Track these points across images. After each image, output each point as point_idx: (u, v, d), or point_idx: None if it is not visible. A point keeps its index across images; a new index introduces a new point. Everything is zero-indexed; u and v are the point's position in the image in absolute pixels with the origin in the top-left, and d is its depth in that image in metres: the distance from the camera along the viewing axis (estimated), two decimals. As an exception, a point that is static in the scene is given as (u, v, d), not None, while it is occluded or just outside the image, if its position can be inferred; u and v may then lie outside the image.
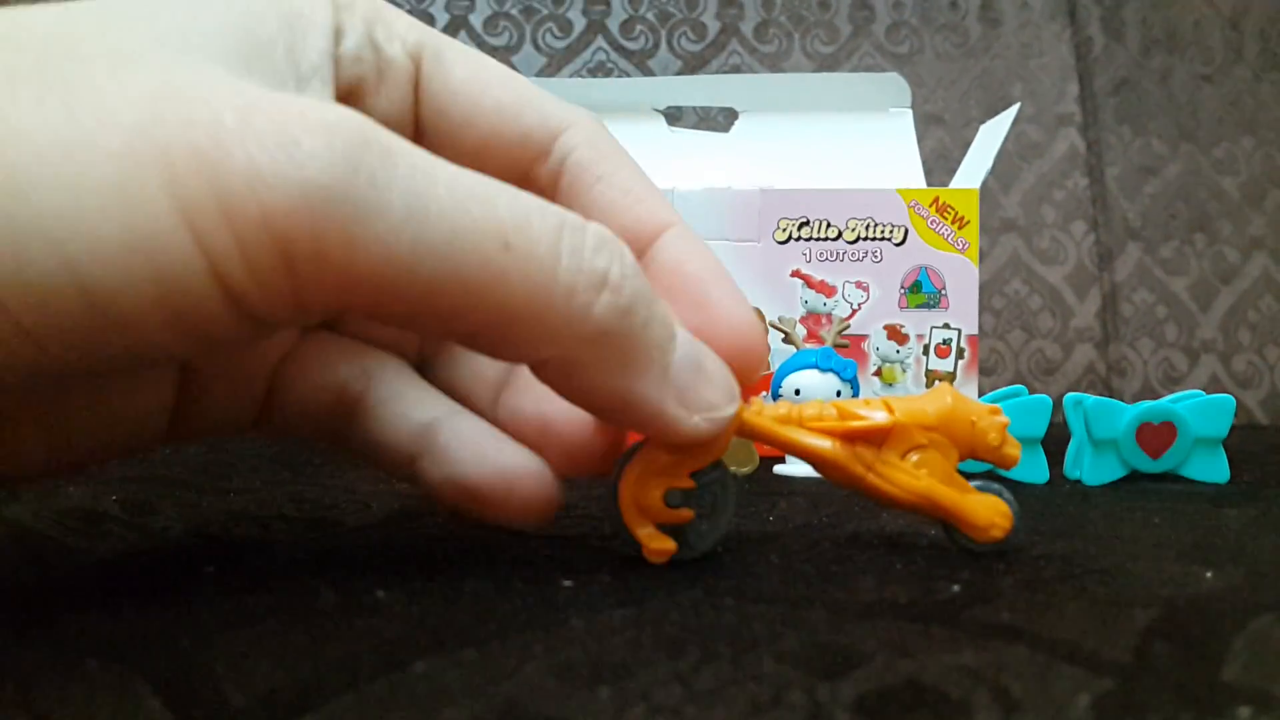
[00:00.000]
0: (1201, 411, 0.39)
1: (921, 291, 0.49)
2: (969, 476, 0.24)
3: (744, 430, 0.23)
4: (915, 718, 0.15)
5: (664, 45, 0.77)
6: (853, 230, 0.49)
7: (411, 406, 0.24)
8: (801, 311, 0.49)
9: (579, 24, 0.76)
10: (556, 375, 0.20)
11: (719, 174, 0.51)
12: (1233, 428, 0.39)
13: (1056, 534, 0.29)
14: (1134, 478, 0.39)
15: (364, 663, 0.16)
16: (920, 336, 0.49)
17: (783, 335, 0.48)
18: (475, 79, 0.22)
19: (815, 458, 0.23)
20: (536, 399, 0.24)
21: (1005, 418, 0.24)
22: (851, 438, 0.23)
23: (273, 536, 0.27)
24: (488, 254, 0.17)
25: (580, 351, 0.19)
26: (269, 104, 0.16)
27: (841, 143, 0.55)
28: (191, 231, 0.16)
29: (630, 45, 0.76)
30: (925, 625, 0.19)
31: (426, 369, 0.25)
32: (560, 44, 0.76)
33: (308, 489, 0.35)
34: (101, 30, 0.17)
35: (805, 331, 0.49)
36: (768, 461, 0.42)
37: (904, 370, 0.49)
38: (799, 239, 0.49)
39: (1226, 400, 0.39)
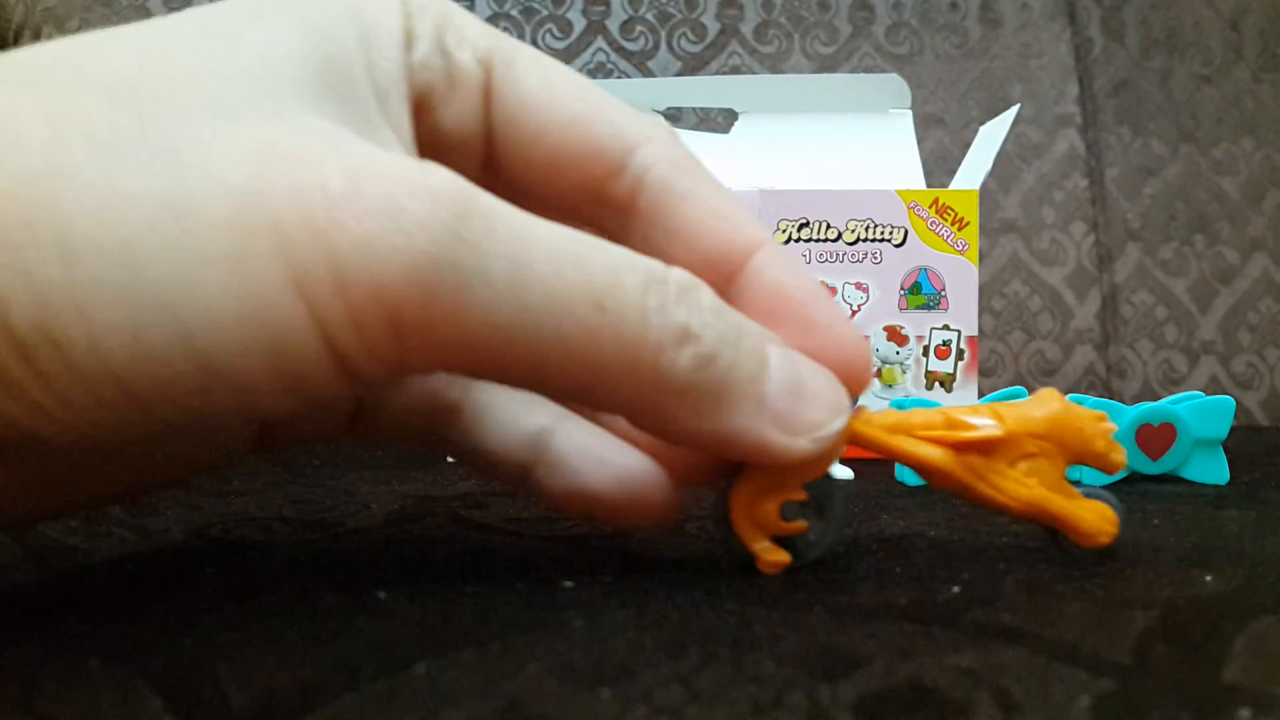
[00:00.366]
0: (1201, 413, 0.39)
1: (921, 293, 0.49)
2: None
3: (854, 440, 0.23)
4: (916, 719, 0.15)
5: (664, 46, 0.77)
6: (852, 231, 0.49)
7: (519, 414, 0.23)
8: (801, 313, 0.49)
9: (579, 25, 0.76)
10: (652, 423, 0.20)
11: (719, 175, 0.51)
12: (1233, 429, 0.39)
13: (1056, 534, 0.29)
14: (1133, 479, 0.39)
15: (365, 663, 0.17)
16: (920, 338, 0.49)
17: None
18: (548, 88, 0.22)
19: (927, 467, 0.23)
20: None
21: (1112, 424, 0.24)
22: (962, 447, 0.23)
23: (273, 538, 0.27)
24: (583, 317, 0.17)
25: (669, 402, 0.19)
26: (373, 167, 0.16)
27: (841, 144, 0.55)
28: (305, 301, 0.16)
29: (630, 46, 0.76)
30: (926, 627, 0.19)
31: None
32: (560, 45, 0.76)
33: (308, 491, 0.35)
34: (192, 74, 0.17)
35: (805, 333, 0.49)
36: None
37: (904, 371, 0.49)
38: (799, 240, 0.49)
39: (1226, 401, 0.39)
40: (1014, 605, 0.21)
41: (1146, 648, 0.18)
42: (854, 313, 0.49)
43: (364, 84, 0.19)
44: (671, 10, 0.77)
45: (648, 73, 0.76)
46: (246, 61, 0.17)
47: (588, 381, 0.18)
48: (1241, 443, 0.49)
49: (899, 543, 0.27)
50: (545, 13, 0.76)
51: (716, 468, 0.23)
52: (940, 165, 0.76)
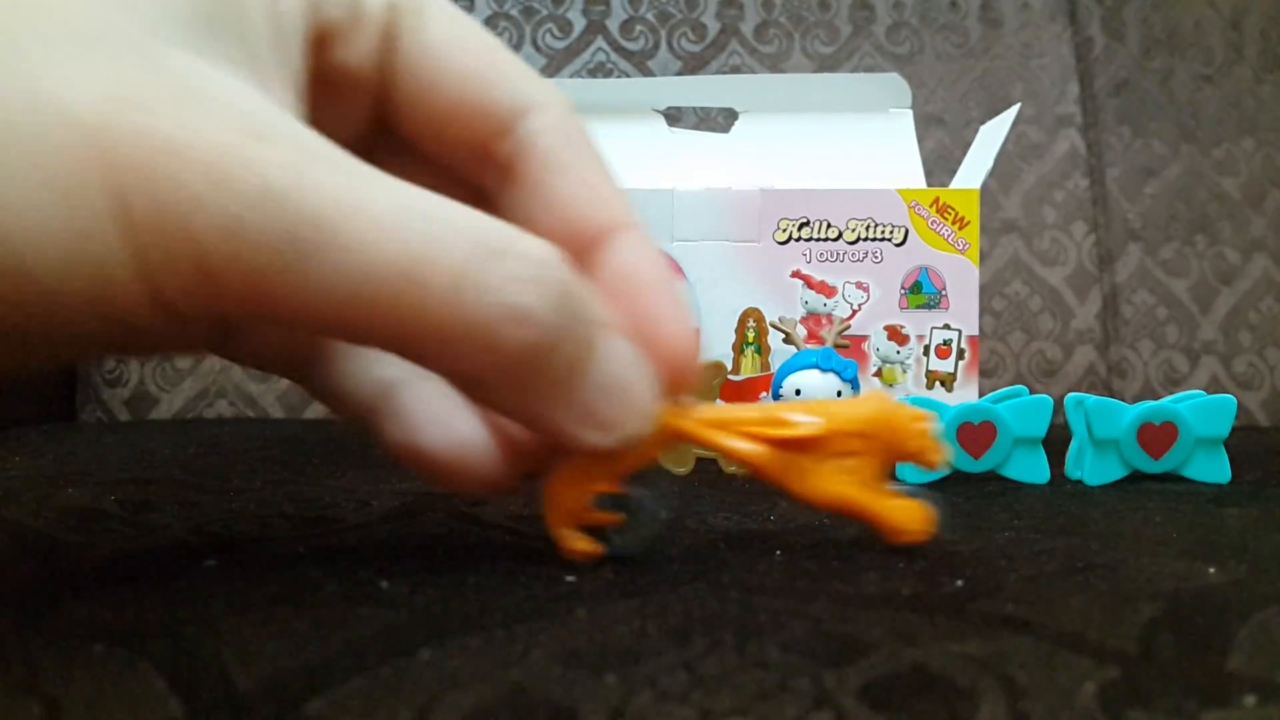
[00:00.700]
0: (1203, 412, 0.39)
1: (922, 292, 0.49)
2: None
3: (672, 435, 0.23)
4: (921, 705, 0.15)
5: (664, 46, 0.77)
6: (853, 230, 0.49)
7: (373, 362, 0.23)
8: (802, 312, 0.49)
9: (579, 24, 0.76)
10: (467, 389, 0.20)
11: (719, 174, 0.51)
12: (1234, 429, 0.39)
13: (1058, 531, 0.29)
14: (1135, 478, 0.39)
15: (370, 649, 0.16)
16: (920, 337, 0.49)
17: (783, 336, 0.48)
18: (451, 41, 0.22)
19: (743, 462, 0.23)
20: None
21: (931, 423, 0.24)
22: (778, 444, 0.23)
23: (273, 533, 0.27)
24: (394, 287, 0.17)
25: (488, 375, 0.19)
26: (208, 125, 0.17)
27: (842, 143, 0.55)
28: (126, 239, 0.16)
29: (630, 46, 0.77)
30: (930, 616, 0.19)
31: None
32: (560, 44, 0.76)
33: (307, 488, 0.35)
34: None
35: (806, 332, 0.49)
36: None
37: (904, 371, 0.49)
38: (799, 239, 0.49)
39: (1228, 400, 0.39)
40: (1018, 597, 0.21)
41: (1151, 637, 0.18)
42: (854, 312, 0.49)
43: (259, 16, 0.19)
44: (672, 10, 0.77)
45: (648, 72, 0.76)
46: None
47: (402, 344, 0.18)
48: (1243, 443, 0.49)
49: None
50: (545, 12, 0.76)
51: (544, 454, 0.23)
52: (941, 165, 0.76)
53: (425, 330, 0.18)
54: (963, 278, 0.49)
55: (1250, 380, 0.78)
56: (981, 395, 0.42)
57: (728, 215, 0.49)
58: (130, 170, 0.16)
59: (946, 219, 0.49)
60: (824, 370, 0.41)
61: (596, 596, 0.20)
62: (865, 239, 0.49)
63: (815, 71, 0.77)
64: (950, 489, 0.37)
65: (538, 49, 0.76)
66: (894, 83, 0.55)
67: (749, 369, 0.49)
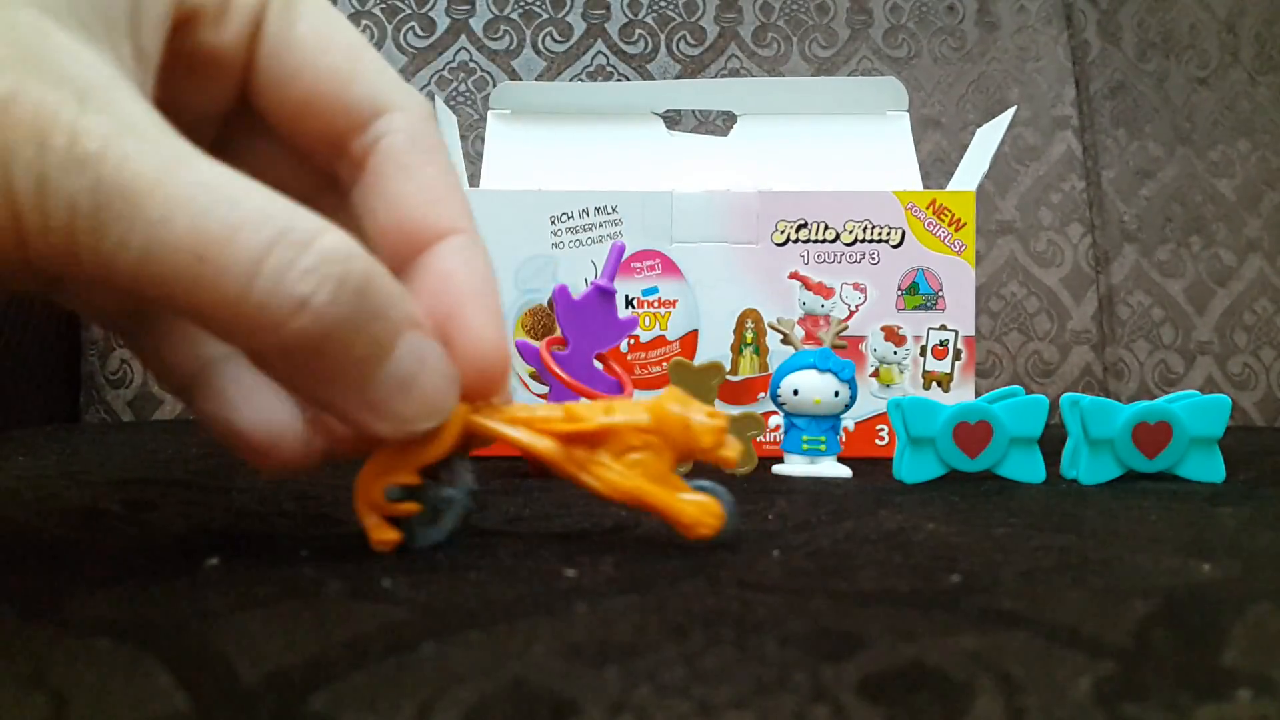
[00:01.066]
0: (1197, 411, 0.39)
1: (919, 293, 0.50)
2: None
3: (470, 431, 0.24)
4: (918, 699, 0.15)
5: (663, 49, 0.77)
6: (850, 232, 0.49)
7: (198, 336, 0.24)
8: (799, 313, 0.49)
9: (579, 28, 0.76)
10: (263, 370, 0.21)
11: (717, 177, 0.51)
12: (1228, 429, 0.39)
13: (1054, 529, 0.29)
14: (1130, 477, 0.39)
15: (372, 644, 0.17)
16: (918, 338, 0.50)
17: (781, 336, 0.48)
18: (317, 36, 0.22)
19: (536, 456, 0.24)
20: None
21: (722, 422, 0.24)
22: (569, 439, 0.24)
23: (276, 531, 0.27)
24: (184, 265, 0.18)
25: (273, 359, 0.20)
26: (32, 87, 0.17)
27: (839, 146, 0.55)
28: None
29: (630, 49, 0.77)
30: (926, 611, 0.19)
31: None
32: (560, 47, 0.76)
33: (309, 488, 0.35)
34: None
35: (803, 333, 0.49)
36: (766, 461, 0.42)
37: (901, 371, 0.50)
38: (797, 241, 0.49)
39: (1222, 400, 0.39)
40: (1014, 592, 0.21)
41: (1146, 632, 0.18)
42: (852, 313, 0.49)
43: None
44: (671, 13, 0.77)
45: (647, 75, 0.77)
46: None
47: (195, 318, 0.19)
48: (1238, 443, 0.50)
49: (898, 535, 0.27)
50: (545, 16, 0.76)
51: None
52: (938, 167, 0.76)
53: (216, 309, 0.18)
54: (959, 279, 0.49)
55: (1245, 380, 0.78)
56: (978, 395, 0.43)
57: (726, 217, 0.49)
58: None
59: (943, 221, 0.49)
60: (822, 370, 0.41)
61: (596, 592, 0.20)
62: (862, 240, 0.49)
63: (813, 75, 0.77)
64: (947, 488, 0.37)
65: (538, 52, 0.76)
66: (891, 86, 0.56)
67: (747, 369, 0.49)
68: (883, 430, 0.49)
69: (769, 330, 0.49)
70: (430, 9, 0.76)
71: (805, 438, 0.41)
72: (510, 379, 0.25)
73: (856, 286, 0.49)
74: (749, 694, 0.15)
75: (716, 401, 0.41)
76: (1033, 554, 0.25)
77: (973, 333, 0.50)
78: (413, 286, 0.23)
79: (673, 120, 0.74)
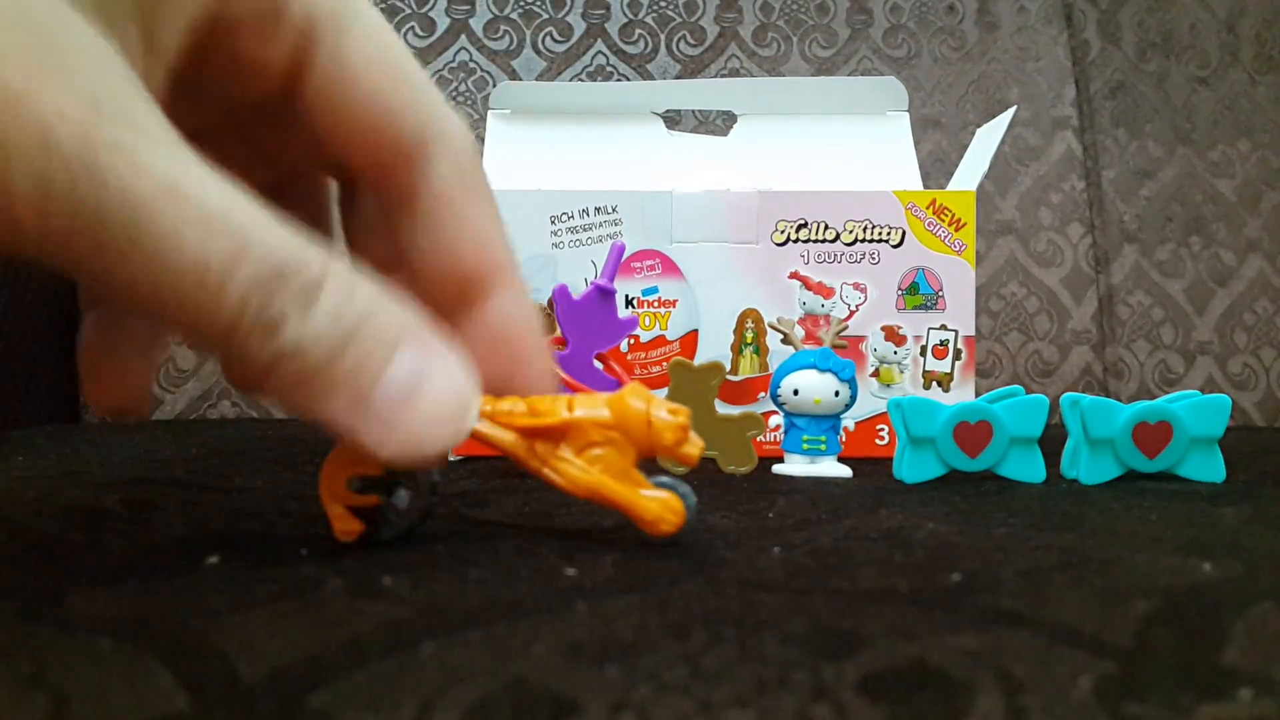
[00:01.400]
0: (1197, 411, 0.39)
1: (919, 293, 0.50)
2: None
3: None
4: (919, 698, 0.15)
5: (663, 49, 0.77)
6: (850, 232, 0.49)
7: None
8: (800, 313, 0.49)
9: (579, 28, 0.76)
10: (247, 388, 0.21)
11: (717, 177, 0.51)
12: (1229, 429, 0.39)
13: (1054, 528, 0.29)
14: (1130, 477, 0.39)
15: (372, 643, 0.17)
16: (918, 338, 0.50)
17: (781, 336, 0.48)
18: (367, 62, 0.22)
19: (499, 449, 0.24)
20: None
21: (683, 419, 0.24)
22: (531, 433, 0.24)
23: (276, 531, 0.27)
24: (180, 286, 0.18)
25: (256, 376, 0.19)
26: (57, 87, 0.17)
27: (839, 145, 0.55)
28: None
29: (630, 49, 0.77)
30: (927, 611, 0.19)
31: None
32: (560, 47, 0.76)
33: (309, 488, 0.35)
34: None
35: (804, 332, 0.49)
36: (766, 461, 0.42)
37: (901, 371, 0.50)
38: (797, 241, 0.49)
39: (1222, 400, 0.39)
40: (1014, 592, 0.21)
41: (1147, 631, 0.18)
42: (852, 313, 0.49)
43: None
44: (671, 13, 0.77)
45: (647, 75, 0.77)
46: None
47: (179, 331, 0.19)
48: (1238, 443, 0.50)
49: (898, 534, 0.27)
50: (545, 16, 0.76)
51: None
52: (938, 167, 0.76)
53: (204, 332, 0.18)
54: (959, 279, 0.49)
55: (1245, 380, 0.78)
56: (978, 395, 0.43)
57: (726, 217, 0.49)
58: None
59: (943, 220, 0.49)
60: (822, 370, 0.41)
61: (597, 591, 0.20)
62: (862, 240, 0.49)
63: (813, 75, 0.77)
64: (947, 487, 0.37)
65: (538, 52, 0.76)
66: (891, 86, 0.56)
67: (747, 369, 0.49)
68: (883, 430, 0.49)
69: (769, 330, 0.49)
70: (430, 9, 0.76)
71: (805, 438, 0.41)
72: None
73: (856, 286, 0.49)
74: (750, 693, 0.15)
75: (716, 401, 0.41)
76: (1033, 553, 0.25)
77: (973, 333, 0.50)
78: (468, 334, 0.23)
79: (673, 120, 0.74)
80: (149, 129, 0.18)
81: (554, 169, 0.53)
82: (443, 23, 0.75)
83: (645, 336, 0.49)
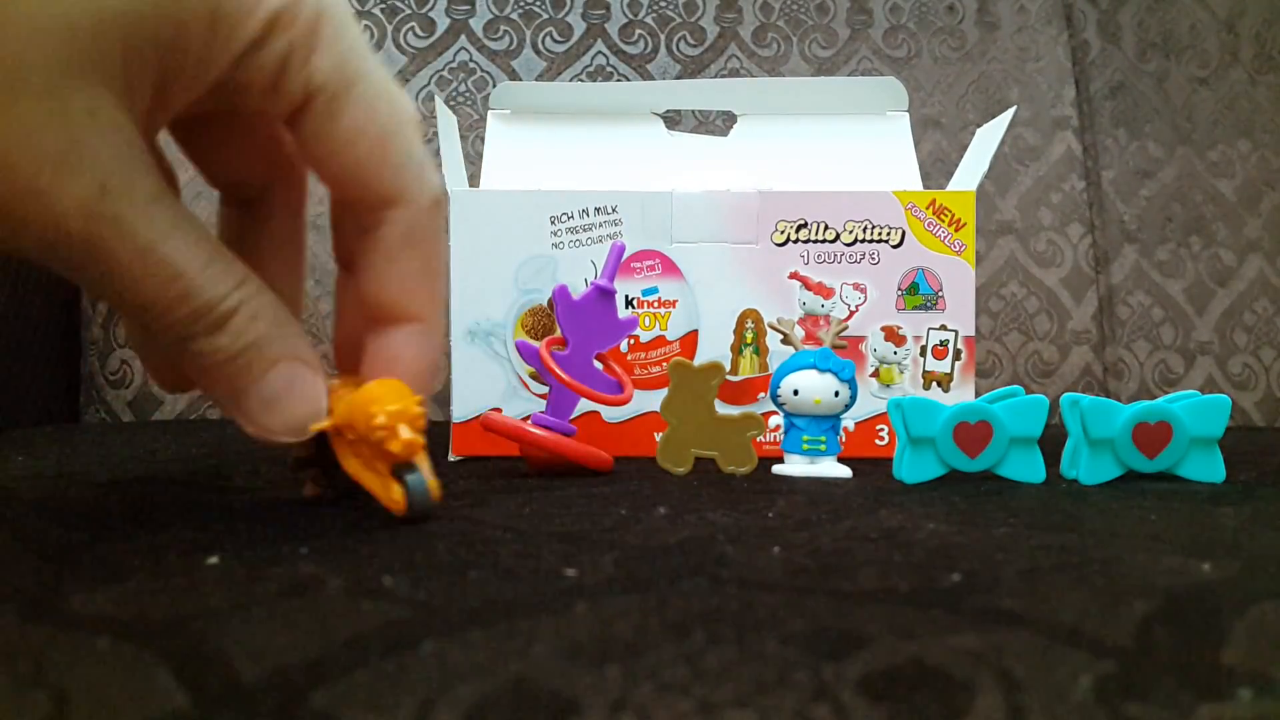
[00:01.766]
0: (1197, 411, 0.39)
1: (919, 293, 0.50)
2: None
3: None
4: (919, 697, 0.15)
5: (663, 49, 0.77)
6: (850, 232, 0.49)
7: None
8: (800, 313, 0.49)
9: (579, 28, 0.76)
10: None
11: (717, 177, 0.51)
12: (1228, 429, 0.39)
13: (1054, 528, 0.29)
14: (1130, 477, 0.39)
15: (373, 642, 0.17)
16: (918, 338, 0.50)
17: (781, 336, 0.48)
18: (353, 132, 0.26)
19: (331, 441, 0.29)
20: None
21: (405, 411, 0.28)
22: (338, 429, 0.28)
23: (276, 531, 0.27)
24: (137, 306, 0.24)
25: (191, 372, 0.27)
26: (72, 181, 0.22)
27: (839, 146, 0.55)
28: None
29: (630, 49, 0.77)
30: (927, 611, 0.19)
31: None
32: (560, 48, 0.76)
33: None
34: None
35: (803, 333, 0.49)
36: (766, 461, 0.42)
37: (901, 372, 0.50)
38: (797, 241, 0.49)
39: (1222, 400, 0.39)
40: (1014, 591, 0.21)
41: (1147, 631, 0.18)
42: (852, 313, 0.49)
43: (175, 56, 0.23)
44: (671, 14, 0.77)
45: (647, 75, 0.77)
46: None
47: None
48: (1237, 443, 0.50)
49: (898, 534, 0.27)
50: (545, 16, 0.76)
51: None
52: (938, 167, 0.76)
53: (158, 331, 0.25)
54: (959, 279, 0.49)
55: (1245, 381, 0.78)
56: (978, 395, 0.43)
57: (726, 217, 0.49)
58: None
59: (943, 221, 0.49)
60: (822, 370, 0.41)
61: (597, 591, 0.20)
62: (862, 241, 0.49)
63: (813, 75, 0.77)
64: (947, 488, 0.37)
65: (538, 53, 0.76)
66: (891, 86, 0.56)
67: (747, 370, 0.49)
68: (883, 430, 0.49)
69: (769, 330, 0.49)
70: (430, 9, 0.75)
71: (805, 438, 0.41)
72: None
73: (856, 286, 0.49)
74: (750, 693, 0.15)
75: (716, 401, 0.41)
76: (1033, 553, 0.25)
77: (973, 333, 0.50)
78: (369, 351, 0.29)
79: (673, 120, 0.74)
80: (141, 201, 0.23)
81: (554, 169, 0.53)
82: (443, 23, 0.75)
83: (645, 337, 0.49)
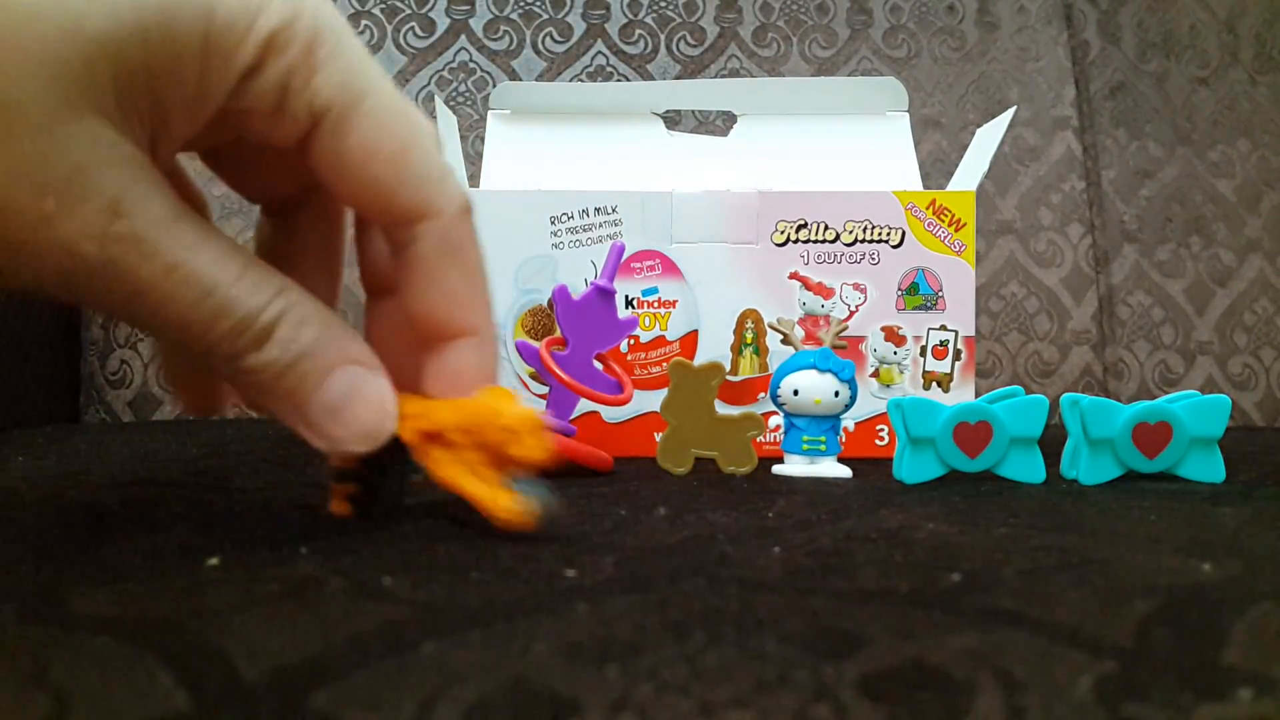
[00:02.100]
0: (1197, 411, 0.39)
1: (918, 293, 0.50)
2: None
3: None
4: (919, 697, 0.15)
5: (663, 49, 0.77)
6: (850, 232, 0.49)
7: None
8: (800, 313, 0.49)
9: (579, 28, 0.76)
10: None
11: (717, 177, 0.51)
12: (1228, 429, 0.39)
13: (1054, 529, 0.29)
14: (1130, 477, 0.39)
15: (373, 643, 0.17)
16: (917, 338, 0.50)
17: (781, 336, 0.48)
18: (365, 150, 0.25)
19: (410, 447, 0.27)
20: None
21: (531, 423, 0.26)
22: (419, 433, 0.27)
23: (276, 532, 0.27)
24: (168, 330, 0.23)
25: (236, 384, 0.25)
26: (81, 211, 0.21)
27: (839, 146, 0.55)
28: None
29: (630, 49, 0.77)
30: (927, 611, 0.19)
31: None
32: (560, 48, 0.76)
33: (310, 491, 0.35)
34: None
35: (803, 333, 0.49)
36: (766, 461, 0.42)
37: (901, 372, 0.50)
38: (797, 241, 0.49)
39: (1222, 400, 0.39)
40: (1014, 592, 0.21)
41: (1147, 631, 0.18)
42: (852, 313, 0.49)
43: (171, 86, 0.23)
44: (671, 14, 0.77)
45: (647, 76, 0.77)
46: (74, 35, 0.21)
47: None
48: (1237, 443, 0.50)
49: (898, 534, 0.27)
50: (545, 16, 0.76)
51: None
52: (938, 168, 0.76)
53: (189, 351, 0.24)
54: (959, 279, 0.50)
55: (1245, 381, 0.78)
56: (978, 396, 0.43)
57: (726, 217, 0.49)
58: (6, 233, 0.21)
59: (943, 221, 0.49)
60: (821, 370, 0.41)
61: (597, 591, 0.20)
62: (862, 241, 0.49)
63: (813, 75, 0.78)
64: (947, 488, 0.37)
65: (538, 53, 0.76)
66: (891, 86, 0.56)
67: (747, 370, 0.49)
68: (883, 430, 0.49)
69: (769, 330, 0.49)
70: (430, 9, 0.76)
71: (805, 438, 0.41)
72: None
73: (856, 286, 0.49)
74: (750, 692, 0.15)
75: (716, 402, 0.41)
76: (1033, 554, 0.25)
77: (973, 333, 0.50)
78: (429, 373, 0.28)
79: (673, 120, 0.74)
80: (157, 218, 0.22)
81: (554, 169, 0.53)
82: (443, 23, 0.75)
83: (645, 337, 0.49)
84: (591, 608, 0.19)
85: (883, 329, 0.50)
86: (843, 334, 0.49)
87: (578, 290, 0.43)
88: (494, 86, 0.64)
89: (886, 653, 0.17)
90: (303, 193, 0.30)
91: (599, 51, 0.76)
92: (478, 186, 0.53)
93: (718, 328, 0.49)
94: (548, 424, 0.27)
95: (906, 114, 0.56)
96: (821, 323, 0.49)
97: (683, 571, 0.22)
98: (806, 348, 0.46)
